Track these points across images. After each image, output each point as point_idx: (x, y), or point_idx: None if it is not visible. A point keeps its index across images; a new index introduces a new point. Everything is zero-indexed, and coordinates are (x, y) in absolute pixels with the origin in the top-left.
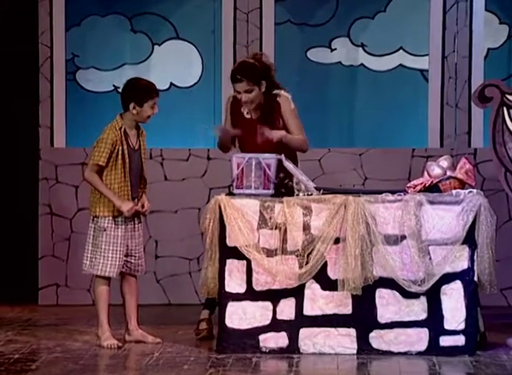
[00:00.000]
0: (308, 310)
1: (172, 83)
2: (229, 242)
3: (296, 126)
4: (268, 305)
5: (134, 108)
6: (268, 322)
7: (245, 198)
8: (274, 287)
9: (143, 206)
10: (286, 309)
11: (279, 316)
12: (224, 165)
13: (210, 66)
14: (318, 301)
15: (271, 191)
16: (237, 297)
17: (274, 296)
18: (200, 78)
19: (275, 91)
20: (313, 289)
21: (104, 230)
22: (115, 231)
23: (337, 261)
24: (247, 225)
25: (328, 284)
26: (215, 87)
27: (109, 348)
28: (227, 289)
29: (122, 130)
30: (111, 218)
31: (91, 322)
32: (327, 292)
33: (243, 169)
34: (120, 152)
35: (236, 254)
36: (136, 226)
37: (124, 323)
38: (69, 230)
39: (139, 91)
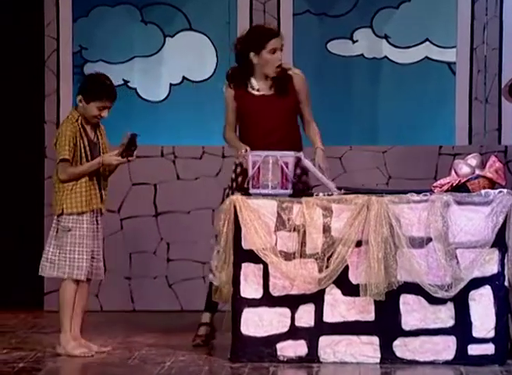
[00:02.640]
0: (329, 317)
1: (184, 77)
2: (245, 245)
3: (310, 105)
4: (286, 311)
5: (81, 101)
6: (285, 329)
7: (262, 199)
8: (292, 292)
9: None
10: (305, 316)
11: (298, 323)
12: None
13: (224, 59)
14: (338, 308)
15: (289, 191)
16: (253, 303)
17: (292, 302)
18: (214, 71)
19: (286, 66)
20: (333, 294)
21: (69, 230)
22: (81, 230)
23: (359, 265)
24: (263, 227)
25: (350, 289)
26: None
27: (83, 357)
28: (242, 294)
29: (79, 122)
30: (75, 216)
31: (99, 329)
32: (348, 298)
33: (259, 167)
34: (82, 146)
35: (252, 257)
36: (99, 225)
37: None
38: None
39: (90, 88)
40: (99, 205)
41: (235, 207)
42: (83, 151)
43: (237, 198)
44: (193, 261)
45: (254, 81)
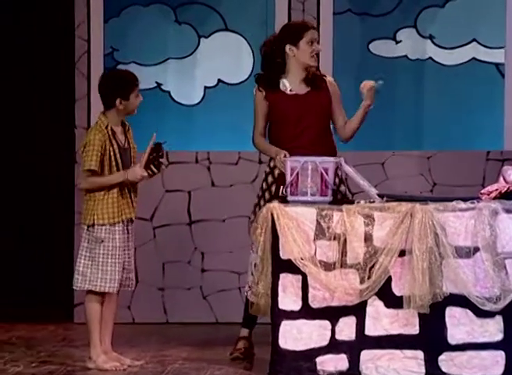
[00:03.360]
0: (371, 330)
1: (220, 80)
2: (283, 254)
3: (342, 106)
4: (326, 324)
5: (120, 102)
6: (326, 343)
7: (300, 206)
8: (332, 304)
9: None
10: (346, 329)
11: (338, 337)
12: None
13: None
14: (381, 320)
15: (329, 198)
16: (292, 315)
17: (332, 314)
18: (250, 74)
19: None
20: (376, 306)
21: (102, 242)
22: (113, 242)
23: (402, 275)
24: (302, 235)
25: (393, 301)
26: None
27: (115, 371)
28: (281, 306)
29: (109, 128)
30: (107, 226)
31: (131, 342)
32: (391, 310)
33: (297, 173)
34: (112, 153)
35: (291, 267)
36: (130, 234)
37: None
38: None
39: (121, 84)
40: (131, 214)
41: (272, 215)
42: (112, 159)
43: (274, 205)
44: (228, 271)
45: (285, 81)
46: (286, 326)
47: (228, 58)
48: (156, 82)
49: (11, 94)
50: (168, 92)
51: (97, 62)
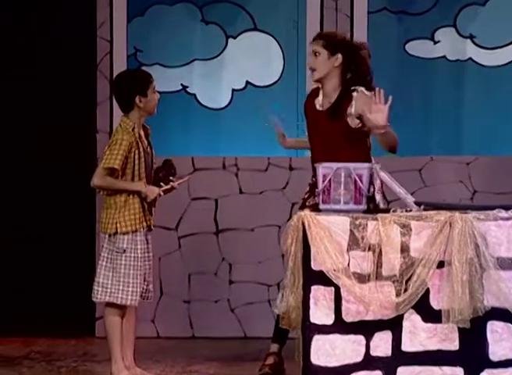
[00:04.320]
0: (407, 345)
1: (248, 82)
2: (315, 266)
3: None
4: (361, 339)
5: (140, 101)
6: (360, 359)
7: (333, 215)
8: (367, 318)
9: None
10: (382, 344)
11: (373, 352)
12: (308, 176)
13: (292, 62)
14: (418, 335)
15: (363, 207)
16: (324, 329)
17: (367, 328)
18: (281, 75)
19: (357, 87)
20: (413, 321)
21: (124, 252)
22: (135, 252)
23: (441, 288)
24: (335, 246)
25: (431, 315)
26: (298, 86)
27: None
28: (312, 320)
29: (135, 131)
30: (130, 236)
31: (156, 357)
32: (429, 324)
33: (330, 180)
34: (137, 156)
35: (323, 279)
36: (149, 245)
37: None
38: None
39: (137, 81)
40: (151, 220)
41: (303, 224)
42: (136, 162)
43: (306, 214)
44: (257, 283)
45: (320, 96)
46: (318, 341)
47: (257, 59)
48: (181, 84)
49: (29, 97)
50: (194, 95)
51: (120, 64)
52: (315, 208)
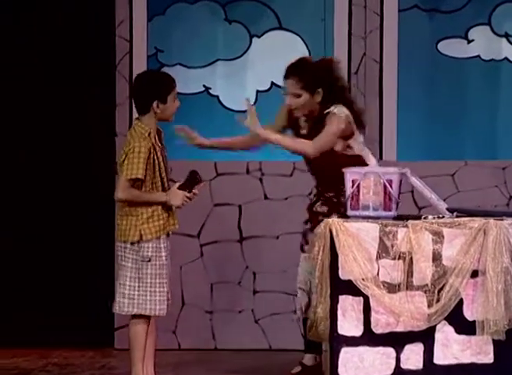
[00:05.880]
0: (440, 358)
1: (273, 83)
2: (343, 275)
3: (320, 136)
4: (391, 351)
5: (158, 106)
6: (390, 372)
7: (362, 222)
8: (397, 329)
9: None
10: (413, 357)
11: (404, 365)
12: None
13: None
14: (451, 348)
15: (393, 213)
16: (353, 341)
17: (397, 340)
18: None
19: (331, 108)
20: (445, 332)
21: (149, 261)
22: (160, 260)
23: (475, 298)
24: (363, 254)
25: (464, 327)
26: None
27: None
28: (340, 331)
29: (152, 136)
30: (154, 243)
31: (177, 369)
32: (463, 336)
33: (358, 186)
34: (156, 162)
35: (351, 289)
36: (169, 246)
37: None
38: None
39: (159, 85)
40: (175, 225)
41: (331, 231)
42: (157, 169)
43: (333, 220)
44: (282, 293)
45: (302, 118)
46: (346, 354)
47: (282, 59)
48: (204, 86)
49: (46, 98)
50: (217, 97)
51: (140, 64)
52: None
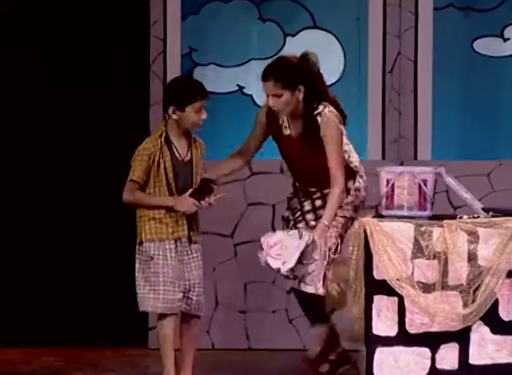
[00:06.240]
0: (475, 358)
1: None
2: (377, 275)
3: (335, 159)
4: (426, 351)
5: (174, 112)
6: (425, 372)
7: (396, 221)
8: (432, 329)
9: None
10: (448, 357)
11: (439, 365)
12: (370, 180)
13: (354, 61)
14: (487, 348)
15: (428, 213)
16: (387, 341)
17: (432, 341)
18: (341, 75)
19: (319, 108)
20: (481, 333)
21: (151, 259)
22: (164, 259)
23: (511, 298)
24: (398, 254)
25: (500, 327)
26: (359, 86)
27: None
28: (375, 331)
29: (163, 138)
30: (157, 243)
31: (211, 369)
32: (498, 337)
33: (393, 185)
34: (162, 165)
35: (386, 289)
36: (193, 255)
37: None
38: None
39: (179, 93)
40: (183, 232)
41: (365, 231)
42: (163, 172)
43: (368, 220)
44: None
45: (285, 117)
46: (381, 354)
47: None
48: (237, 85)
49: (81, 98)
50: (251, 96)
51: (174, 64)
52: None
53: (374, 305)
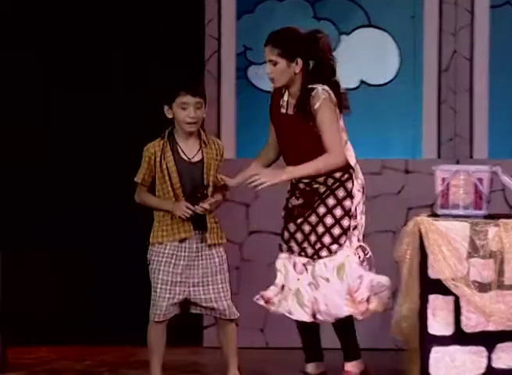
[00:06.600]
0: None
1: (362, 81)
2: (432, 274)
3: (326, 135)
4: (482, 350)
5: (168, 111)
6: (481, 371)
7: (451, 220)
8: (488, 328)
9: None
10: (504, 356)
11: (495, 364)
12: (426, 179)
13: (409, 59)
14: None
15: (483, 212)
16: (443, 341)
17: (488, 340)
18: (396, 74)
19: (315, 86)
20: None
21: (149, 264)
22: (158, 264)
23: None
24: (453, 253)
25: None
26: (414, 85)
27: None
28: (430, 331)
29: (165, 140)
30: (156, 247)
31: (264, 368)
32: None
33: (448, 184)
34: (164, 166)
35: (441, 288)
36: (203, 254)
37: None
38: (238, 257)
39: (166, 90)
40: (186, 233)
41: (420, 230)
42: (166, 173)
43: (423, 219)
44: None
45: (285, 97)
46: (437, 354)
47: (371, 57)
48: None
49: (135, 96)
50: None
51: (229, 63)
52: (291, 209)
53: (429, 305)
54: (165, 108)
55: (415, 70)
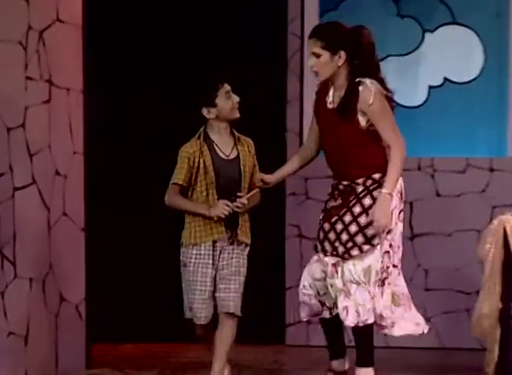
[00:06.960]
0: None
1: (446, 79)
2: None
3: (383, 127)
4: None
5: (209, 111)
6: None
7: None
8: None
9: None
10: None
11: None
12: (511, 178)
13: (494, 57)
14: None
15: None
16: None
17: None
18: (481, 71)
19: (363, 80)
20: None
21: (185, 266)
22: (189, 265)
23: None
24: None
25: None
26: (499, 82)
27: None
28: None
29: (202, 139)
30: (190, 249)
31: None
32: None
33: None
34: (202, 165)
35: None
36: (232, 252)
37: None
38: None
39: (202, 92)
40: (219, 234)
41: (504, 229)
42: (202, 171)
43: (507, 218)
44: (455, 291)
45: (331, 92)
46: None
47: (456, 54)
48: None
49: None
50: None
51: None
52: (328, 211)
53: None
54: (205, 110)
55: (500, 68)
